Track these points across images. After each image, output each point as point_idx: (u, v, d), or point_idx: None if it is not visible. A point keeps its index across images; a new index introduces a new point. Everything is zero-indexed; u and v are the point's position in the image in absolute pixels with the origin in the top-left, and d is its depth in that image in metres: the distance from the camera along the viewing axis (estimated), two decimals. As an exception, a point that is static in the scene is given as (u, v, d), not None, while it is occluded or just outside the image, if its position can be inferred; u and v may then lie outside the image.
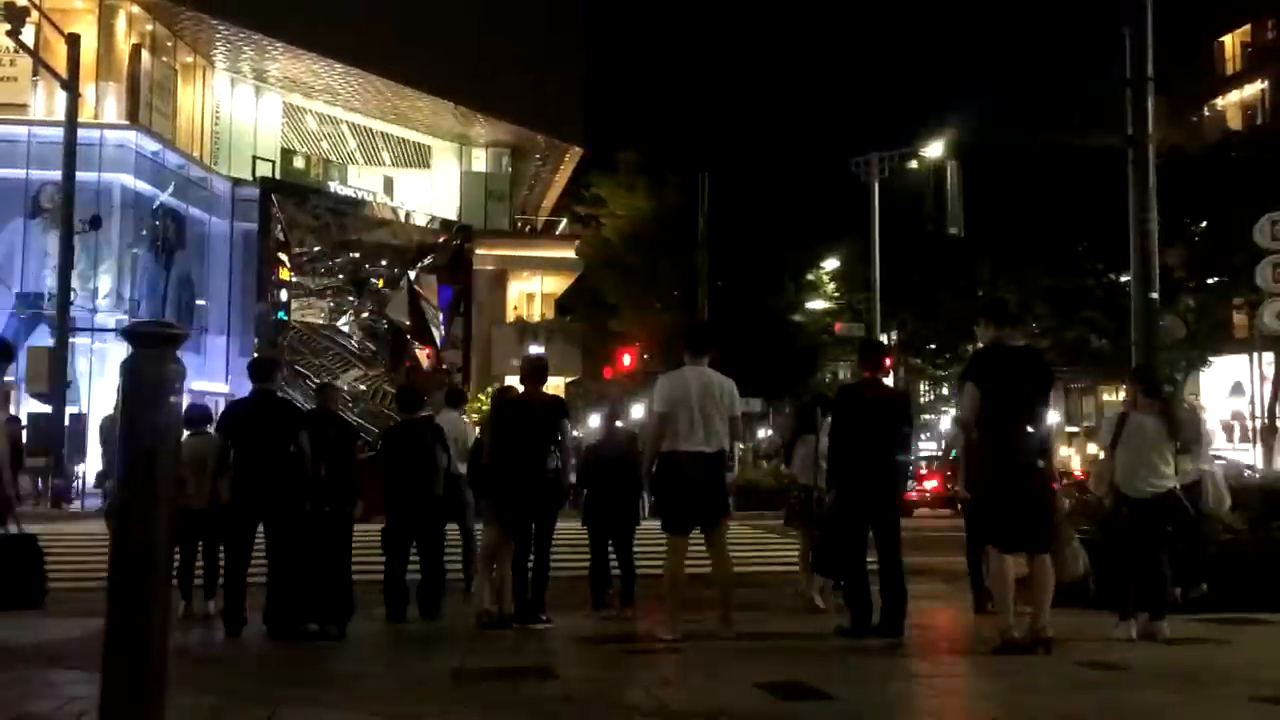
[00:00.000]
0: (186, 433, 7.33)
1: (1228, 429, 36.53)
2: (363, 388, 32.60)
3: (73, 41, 18.94)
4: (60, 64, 19.10)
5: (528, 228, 41.37)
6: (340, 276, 32.49)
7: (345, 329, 32.54)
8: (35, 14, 19.44)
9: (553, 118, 37.38)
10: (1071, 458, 46.88)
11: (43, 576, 6.89)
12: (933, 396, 49.05)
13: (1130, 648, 5.89)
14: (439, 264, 34.79)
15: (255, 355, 11.55)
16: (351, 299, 32.76)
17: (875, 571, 6.36)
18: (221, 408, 30.08)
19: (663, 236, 33.00)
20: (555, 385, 38.27)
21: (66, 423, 19.50)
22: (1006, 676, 5.16)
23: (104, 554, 2.96)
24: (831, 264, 37.17)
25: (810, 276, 37.81)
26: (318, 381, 31.24)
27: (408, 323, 33.96)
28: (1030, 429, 5.62)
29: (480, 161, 39.98)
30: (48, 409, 19.27)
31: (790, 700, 4.52)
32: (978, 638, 6.47)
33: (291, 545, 6.47)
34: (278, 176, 32.86)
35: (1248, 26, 42.30)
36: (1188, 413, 8.08)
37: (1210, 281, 28.82)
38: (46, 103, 25.69)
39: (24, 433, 9.17)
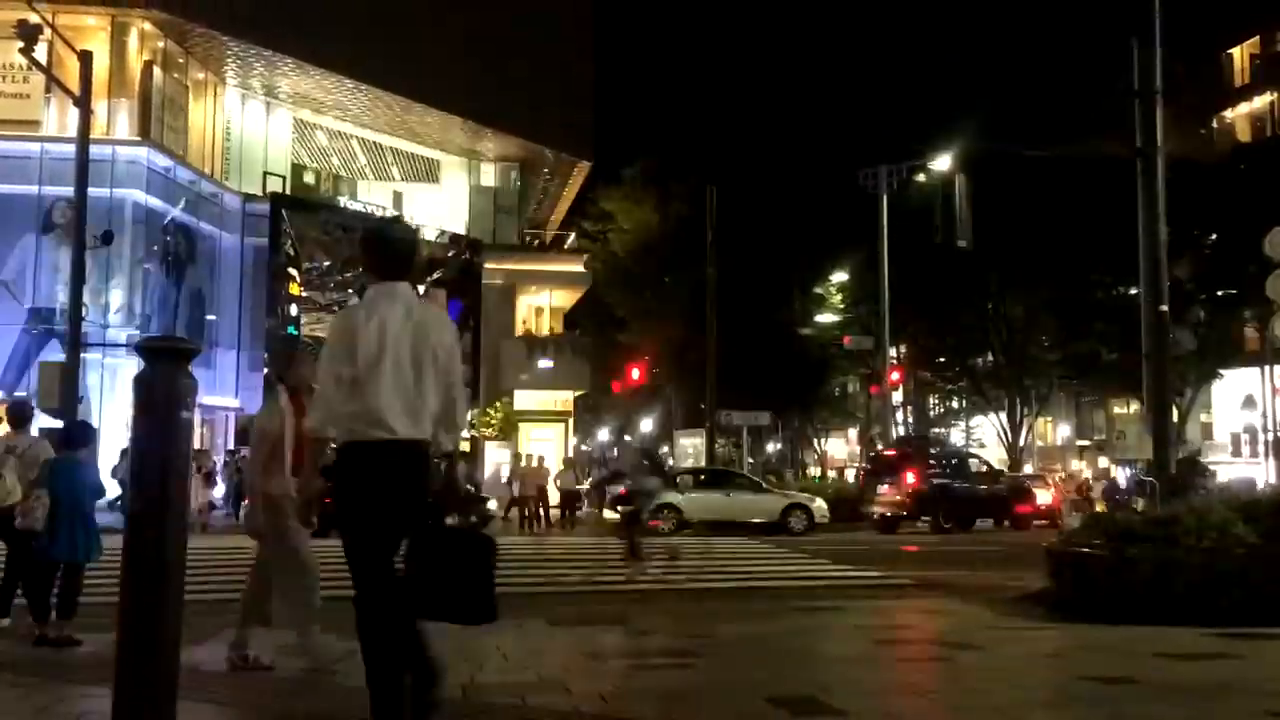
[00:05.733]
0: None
1: (1239, 442, 36.35)
2: (372, 402, 32.71)
3: (85, 58, 19.07)
4: (72, 81, 19.24)
5: (536, 242, 41.50)
6: (350, 291, 32.62)
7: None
8: (48, 31, 19.59)
9: (561, 132, 37.52)
10: (1082, 470, 46.70)
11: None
12: (942, 410, 48.92)
13: (1142, 662, 5.85)
14: (448, 278, 34.91)
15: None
16: (361, 313, 32.93)
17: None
18: (230, 422, 29.80)
19: (671, 250, 33.07)
20: (564, 399, 38.31)
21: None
22: (1016, 691, 5.13)
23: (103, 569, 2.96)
24: (840, 277, 37.20)
25: (819, 289, 37.83)
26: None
27: (417, 337, 34.10)
28: None
29: (489, 176, 40.13)
30: (58, 424, 19.34)
31: (803, 716, 4.50)
32: (984, 651, 6.43)
33: None
34: (288, 192, 33.04)
35: (1256, 38, 42.29)
36: None
37: (1220, 294, 28.73)
38: (59, 119, 25.88)
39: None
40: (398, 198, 37.36)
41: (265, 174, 33.20)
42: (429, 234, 35.22)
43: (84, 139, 18.44)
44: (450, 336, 4.08)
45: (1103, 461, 43.63)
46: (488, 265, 35.98)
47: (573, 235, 40.56)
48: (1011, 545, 16.72)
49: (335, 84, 32.83)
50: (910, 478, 23.39)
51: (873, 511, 23.74)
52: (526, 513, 22.48)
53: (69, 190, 19.82)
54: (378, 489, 3.70)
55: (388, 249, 4.25)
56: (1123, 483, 34.31)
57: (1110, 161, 17.96)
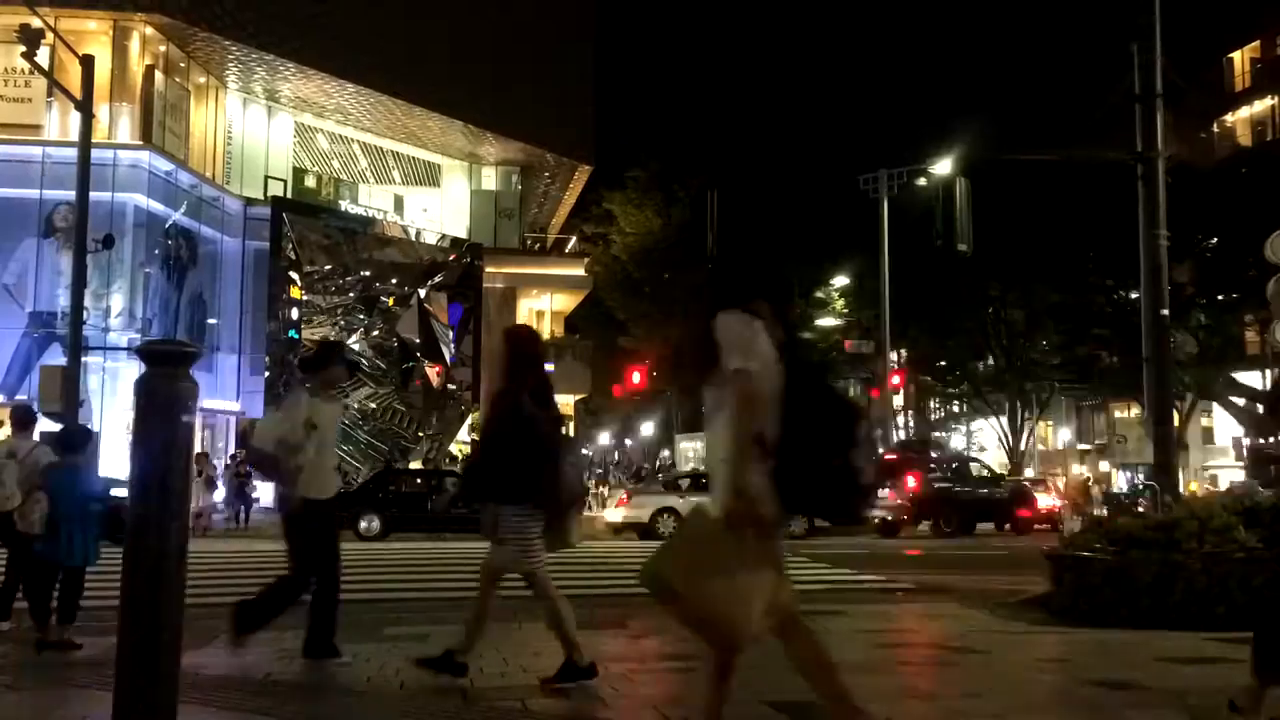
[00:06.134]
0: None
1: (1240, 446, 36.34)
2: (373, 406, 32.70)
3: (87, 63, 19.10)
4: (74, 85, 19.26)
5: (537, 245, 41.53)
6: (351, 295, 32.64)
7: (356, 347, 32.66)
8: (50, 36, 19.61)
9: (562, 136, 37.56)
10: (1082, 473, 46.69)
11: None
12: (943, 414, 48.89)
13: (1143, 666, 5.85)
14: (449, 282, 34.93)
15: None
16: (362, 317, 32.91)
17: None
18: (230, 425, 29.87)
19: (672, 253, 33.10)
20: (564, 403, 38.31)
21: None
22: (1017, 696, 5.12)
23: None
24: (841, 281, 37.23)
25: (820, 293, 37.86)
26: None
27: (418, 340, 34.08)
28: None
29: (490, 179, 40.16)
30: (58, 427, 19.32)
31: (801, 719, 4.50)
32: (985, 655, 6.42)
33: None
34: (289, 196, 33.05)
35: (1257, 43, 42.33)
36: None
37: (1221, 298, 28.73)
38: (61, 123, 25.91)
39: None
40: (399, 201, 37.39)
41: (266, 178, 33.22)
42: (429, 238, 35.24)
43: (86, 143, 18.46)
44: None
45: (1104, 465, 43.60)
46: (488, 269, 35.99)
47: (574, 239, 40.58)
48: (1012, 549, 16.72)
49: (336, 88, 32.86)
50: (911, 481, 23.39)
51: (874, 515, 23.74)
52: None
53: (70, 194, 19.85)
54: None
55: None
56: (1123, 485, 34.21)
57: (1111, 166, 17.96)
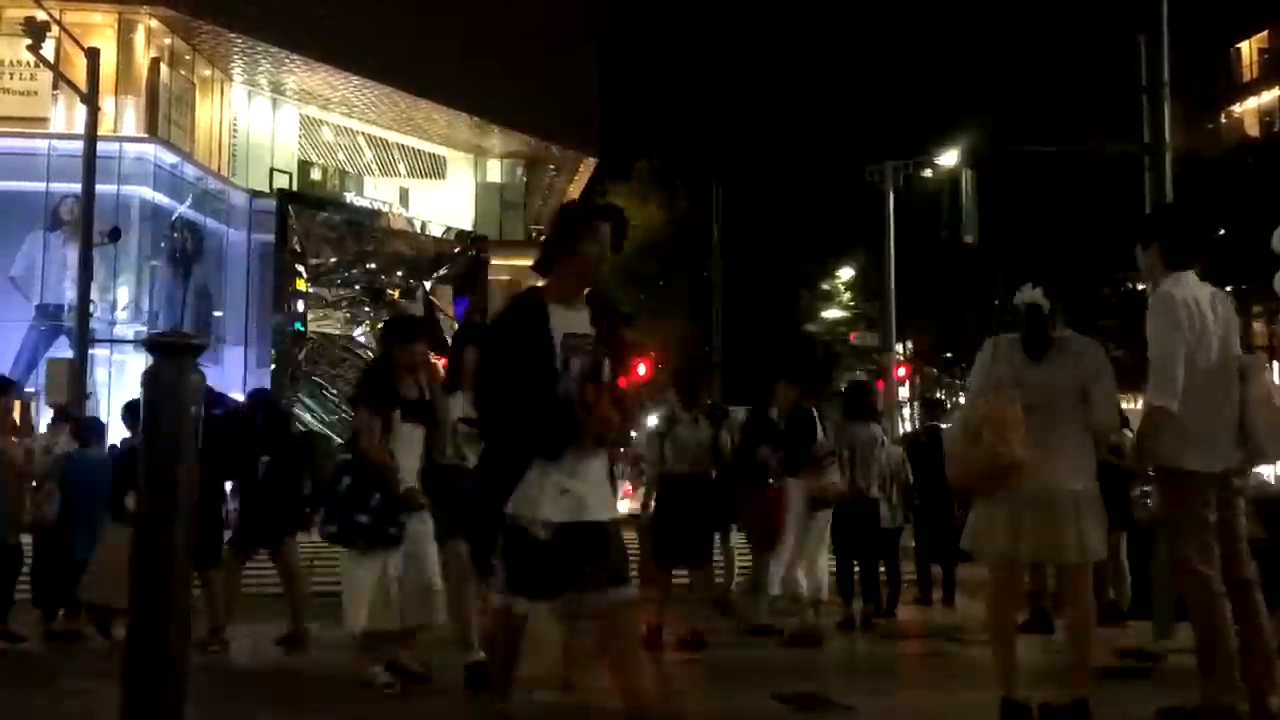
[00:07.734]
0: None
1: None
2: (378, 398, 32.73)
3: (92, 56, 19.11)
4: (80, 78, 19.28)
5: (542, 238, 41.51)
6: (356, 287, 32.65)
7: (362, 339, 32.68)
8: (55, 29, 19.63)
9: (567, 128, 37.49)
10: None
11: None
12: (950, 406, 48.84)
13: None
14: (454, 274, 34.92)
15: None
16: (368, 310, 32.92)
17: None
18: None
19: (677, 246, 33.06)
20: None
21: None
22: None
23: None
24: (846, 273, 37.17)
25: (825, 286, 37.83)
26: (334, 392, 31.55)
27: (423, 333, 34.12)
28: None
29: (495, 172, 40.14)
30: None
31: (808, 712, 4.51)
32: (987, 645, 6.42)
33: None
34: (295, 188, 33.04)
35: (1265, 33, 42.11)
36: None
37: (1228, 290, 28.66)
38: (66, 116, 25.91)
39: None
40: (404, 194, 37.38)
41: (272, 170, 33.22)
42: (435, 230, 35.24)
43: (91, 136, 18.49)
44: None
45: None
46: (494, 261, 35.98)
47: (578, 231, 40.49)
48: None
49: (342, 80, 32.85)
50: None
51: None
52: None
53: (76, 187, 19.87)
54: None
55: None
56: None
57: (1118, 157, 17.90)
